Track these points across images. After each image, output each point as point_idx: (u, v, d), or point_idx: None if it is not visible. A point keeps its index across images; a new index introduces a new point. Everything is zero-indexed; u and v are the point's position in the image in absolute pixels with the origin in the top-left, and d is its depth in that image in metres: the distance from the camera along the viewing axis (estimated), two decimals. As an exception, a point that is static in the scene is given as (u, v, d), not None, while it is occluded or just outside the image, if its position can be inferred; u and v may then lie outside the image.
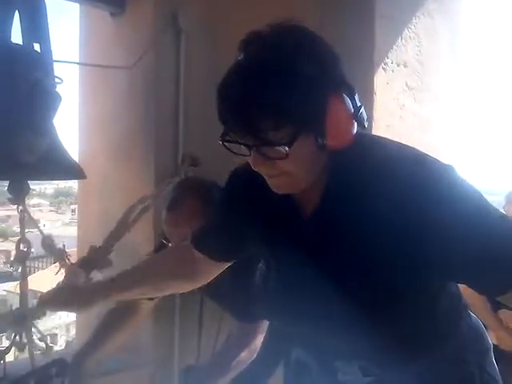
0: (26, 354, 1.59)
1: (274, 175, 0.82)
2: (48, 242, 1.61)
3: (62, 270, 1.53)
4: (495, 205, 0.82)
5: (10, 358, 1.66)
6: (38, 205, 27.06)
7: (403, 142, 0.89)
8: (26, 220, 1.62)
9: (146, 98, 2.04)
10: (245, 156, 0.81)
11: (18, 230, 1.67)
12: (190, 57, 2.08)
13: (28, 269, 1.72)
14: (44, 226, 18.68)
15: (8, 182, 1.58)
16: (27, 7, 1.55)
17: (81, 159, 2.10)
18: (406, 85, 2.17)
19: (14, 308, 1.59)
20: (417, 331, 0.89)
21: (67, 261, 1.57)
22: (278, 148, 0.76)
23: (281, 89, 0.74)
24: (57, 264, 1.60)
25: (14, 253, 1.64)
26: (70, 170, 1.70)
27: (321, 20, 1.75)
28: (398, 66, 2.11)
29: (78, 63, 2.16)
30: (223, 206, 1.07)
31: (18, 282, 1.61)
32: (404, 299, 0.84)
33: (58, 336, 10.39)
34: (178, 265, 1.14)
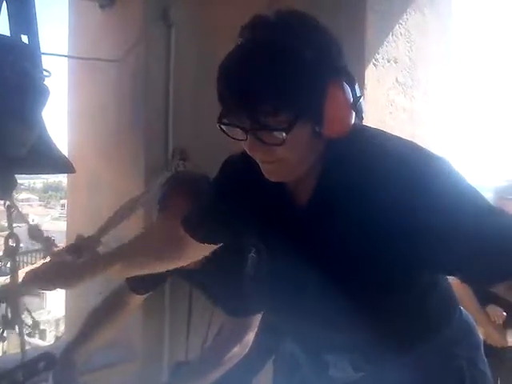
0: (15, 349, 1.58)
1: (268, 161, 0.82)
2: (35, 231, 1.60)
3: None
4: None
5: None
6: (27, 199, 26.88)
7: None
8: (14, 215, 1.60)
9: (136, 91, 2.03)
10: (240, 140, 0.80)
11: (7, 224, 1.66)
12: (180, 50, 2.07)
13: (17, 263, 1.70)
14: (33, 220, 18.54)
15: (-6, 176, 1.56)
16: (15, -2, 1.53)
17: (70, 153, 2.09)
18: (397, 81, 2.18)
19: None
20: (407, 325, 0.89)
21: (55, 249, 1.56)
22: (275, 133, 0.76)
23: (282, 73, 0.74)
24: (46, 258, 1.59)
25: (2, 248, 1.63)
26: (59, 164, 1.68)
27: (312, 15, 1.75)
28: (388, 62, 2.11)
29: (66, 56, 2.13)
30: (216, 192, 1.06)
31: (8, 277, 1.60)
32: (395, 292, 0.85)
33: (47, 331, 10.34)
34: (164, 244, 1.14)
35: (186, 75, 2.09)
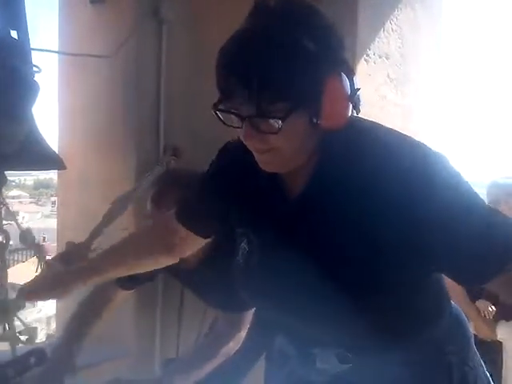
0: (4, 346, 1.57)
1: (263, 150, 0.81)
2: (26, 237, 1.59)
3: (41, 266, 1.52)
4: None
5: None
6: (18, 196, 26.72)
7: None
8: (3, 212, 1.59)
9: (127, 87, 2.02)
10: (235, 127, 0.79)
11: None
12: (171, 46, 2.06)
13: (7, 261, 1.69)
14: (24, 218, 18.44)
15: (-17, 172, 1.54)
16: (4, -7, 1.51)
17: (60, 150, 2.07)
18: (388, 76, 2.18)
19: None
20: (397, 320, 0.89)
21: (46, 256, 1.55)
22: (271, 121, 0.76)
23: (282, 60, 0.73)
24: (36, 257, 1.59)
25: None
26: (49, 161, 1.67)
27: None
28: (379, 57, 2.12)
29: (57, 52, 2.12)
30: (210, 181, 1.05)
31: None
32: (387, 286, 0.84)
33: (39, 330, 10.28)
34: (157, 240, 1.14)
35: (178, 71, 2.08)
